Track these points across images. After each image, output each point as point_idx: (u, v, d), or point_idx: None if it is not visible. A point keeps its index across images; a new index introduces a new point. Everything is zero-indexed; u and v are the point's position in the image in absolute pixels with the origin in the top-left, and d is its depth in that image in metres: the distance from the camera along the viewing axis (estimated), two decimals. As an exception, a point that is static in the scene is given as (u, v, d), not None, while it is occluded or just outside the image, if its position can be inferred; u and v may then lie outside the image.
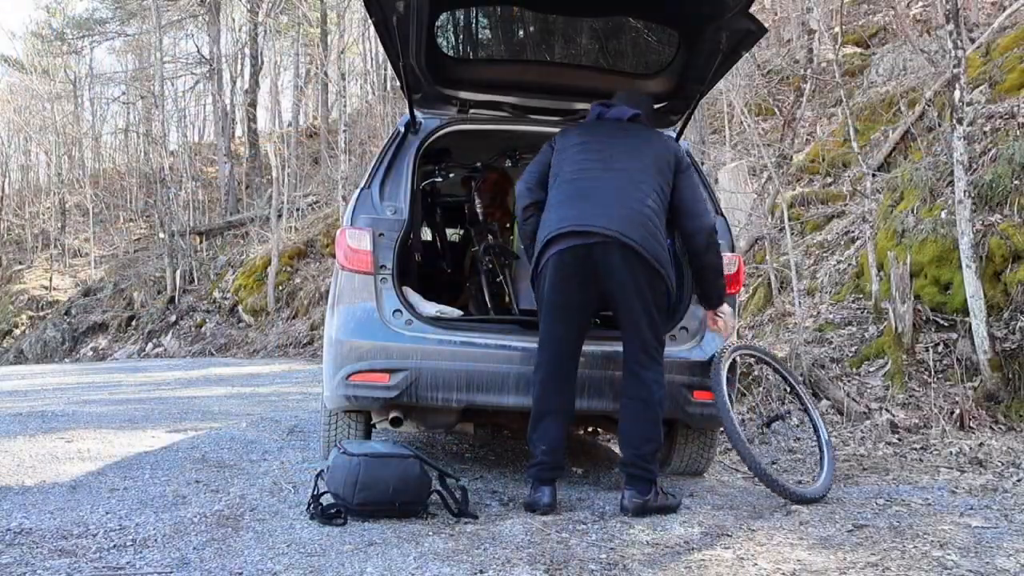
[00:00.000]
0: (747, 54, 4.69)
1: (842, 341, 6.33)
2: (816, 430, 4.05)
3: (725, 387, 3.71)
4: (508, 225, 5.24)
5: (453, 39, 4.34)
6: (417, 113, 4.18)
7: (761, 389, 5.72)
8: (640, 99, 3.92)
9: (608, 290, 3.49)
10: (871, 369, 5.88)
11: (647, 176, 3.58)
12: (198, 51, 29.53)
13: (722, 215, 4.19)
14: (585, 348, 3.62)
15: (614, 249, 3.43)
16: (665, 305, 3.59)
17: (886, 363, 5.78)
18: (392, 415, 3.92)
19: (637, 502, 3.38)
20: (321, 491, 3.31)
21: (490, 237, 4.96)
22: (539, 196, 3.72)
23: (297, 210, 21.06)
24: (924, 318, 5.81)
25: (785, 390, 5.43)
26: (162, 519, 3.20)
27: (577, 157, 3.67)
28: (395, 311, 3.78)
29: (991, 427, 4.96)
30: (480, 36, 4.44)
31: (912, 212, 6.50)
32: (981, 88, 7.84)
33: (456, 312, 4.12)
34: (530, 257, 3.73)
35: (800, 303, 6.68)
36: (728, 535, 3.12)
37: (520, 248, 4.43)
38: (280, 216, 19.16)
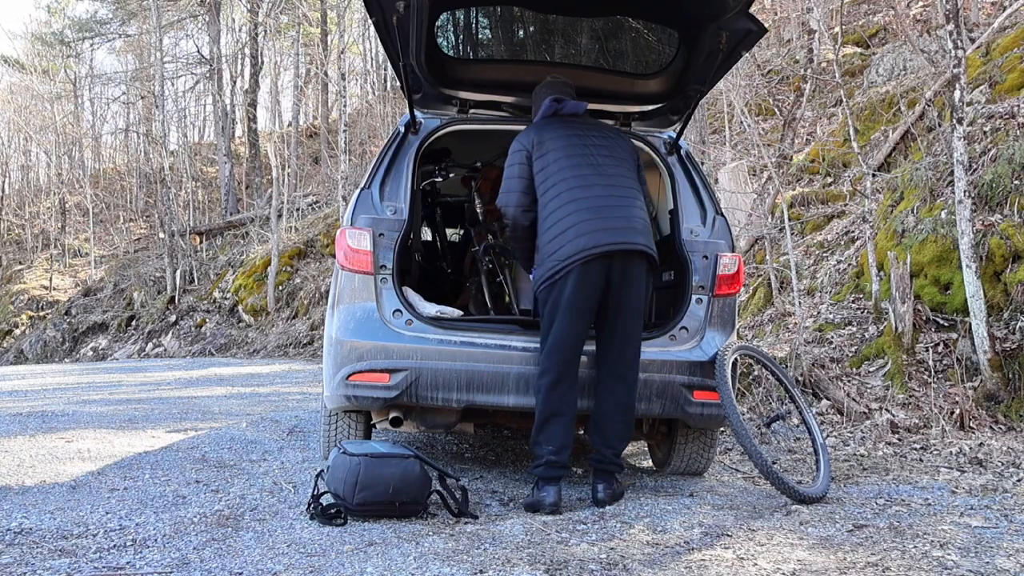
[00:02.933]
0: (747, 54, 4.69)
1: (842, 341, 6.32)
2: (810, 432, 4.06)
3: (731, 386, 3.72)
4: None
5: (453, 39, 4.34)
6: (417, 113, 4.18)
7: (761, 389, 5.72)
8: (571, 90, 3.97)
9: (618, 298, 3.59)
10: (871, 369, 5.88)
11: (631, 174, 3.80)
12: (198, 51, 29.55)
13: (722, 215, 4.20)
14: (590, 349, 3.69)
15: (635, 259, 3.59)
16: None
17: (886, 363, 5.78)
18: (392, 415, 3.92)
19: (610, 492, 3.61)
20: (321, 491, 3.31)
21: (490, 237, 4.96)
22: (535, 214, 3.72)
23: (297, 210, 21.07)
24: (924, 318, 5.80)
25: (782, 392, 5.43)
26: (162, 519, 3.20)
27: (566, 163, 3.69)
28: (395, 311, 3.78)
29: (991, 427, 4.96)
30: (480, 36, 4.44)
31: (912, 212, 6.50)
32: (981, 88, 7.83)
33: (456, 312, 4.12)
34: (519, 254, 3.89)
35: (800, 303, 6.67)
36: (728, 535, 3.12)
37: None
38: (280, 216, 19.15)
